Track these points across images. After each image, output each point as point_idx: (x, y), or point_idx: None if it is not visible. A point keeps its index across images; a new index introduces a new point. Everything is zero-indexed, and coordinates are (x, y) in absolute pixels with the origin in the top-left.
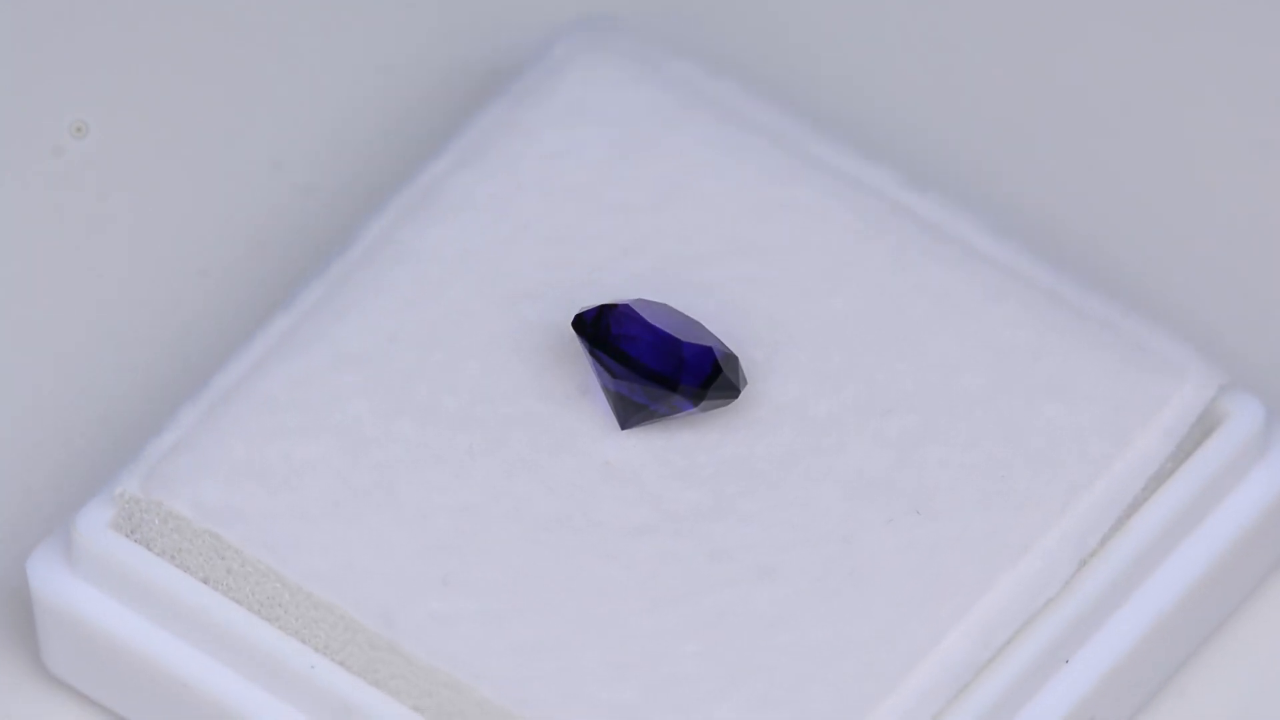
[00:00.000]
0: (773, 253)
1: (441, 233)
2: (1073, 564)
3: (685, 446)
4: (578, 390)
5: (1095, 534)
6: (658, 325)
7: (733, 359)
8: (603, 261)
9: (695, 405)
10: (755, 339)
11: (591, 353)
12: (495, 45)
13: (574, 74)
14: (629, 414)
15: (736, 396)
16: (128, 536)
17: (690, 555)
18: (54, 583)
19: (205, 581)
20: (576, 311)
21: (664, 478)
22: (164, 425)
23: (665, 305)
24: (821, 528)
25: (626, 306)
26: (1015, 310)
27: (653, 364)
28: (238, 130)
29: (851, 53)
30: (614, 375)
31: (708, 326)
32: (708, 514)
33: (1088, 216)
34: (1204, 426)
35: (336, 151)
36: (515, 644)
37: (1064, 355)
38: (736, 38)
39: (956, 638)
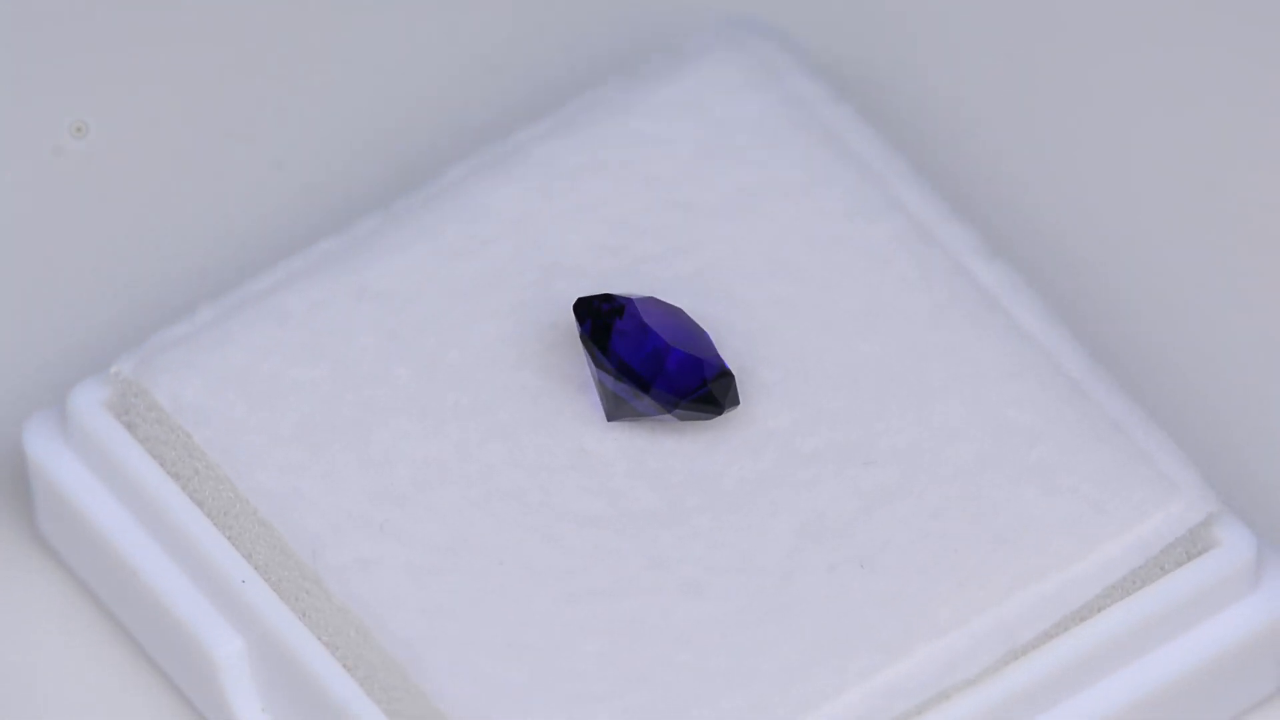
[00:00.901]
0: (816, 284)
1: (507, 193)
2: (999, 651)
3: (664, 451)
4: (583, 375)
5: (1032, 628)
6: (655, 328)
7: (727, 378)
8: (650, 255)
9: (669, 412)
10: (771, 362)
11: (583, 338)
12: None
13: (693, 69)
14: (614, 406)
15: (718, 414)
16: (118, 418)
17: (628, 556)
18: (46, 451)
19: (175, 477)
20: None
21: (631, 476)
22: (180, 318)
23: (679, 310)
24: (764, 559)
25: (630, 303)
26: (1031, 391)
27: (633, 362)
28: (241, 129)
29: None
30: (597, 364)
31: (729, 340)
32: (660, 520)
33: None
34: (1190, 551)
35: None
36: (428, 603)
37: (1061, 446)
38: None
39: (856, 696)
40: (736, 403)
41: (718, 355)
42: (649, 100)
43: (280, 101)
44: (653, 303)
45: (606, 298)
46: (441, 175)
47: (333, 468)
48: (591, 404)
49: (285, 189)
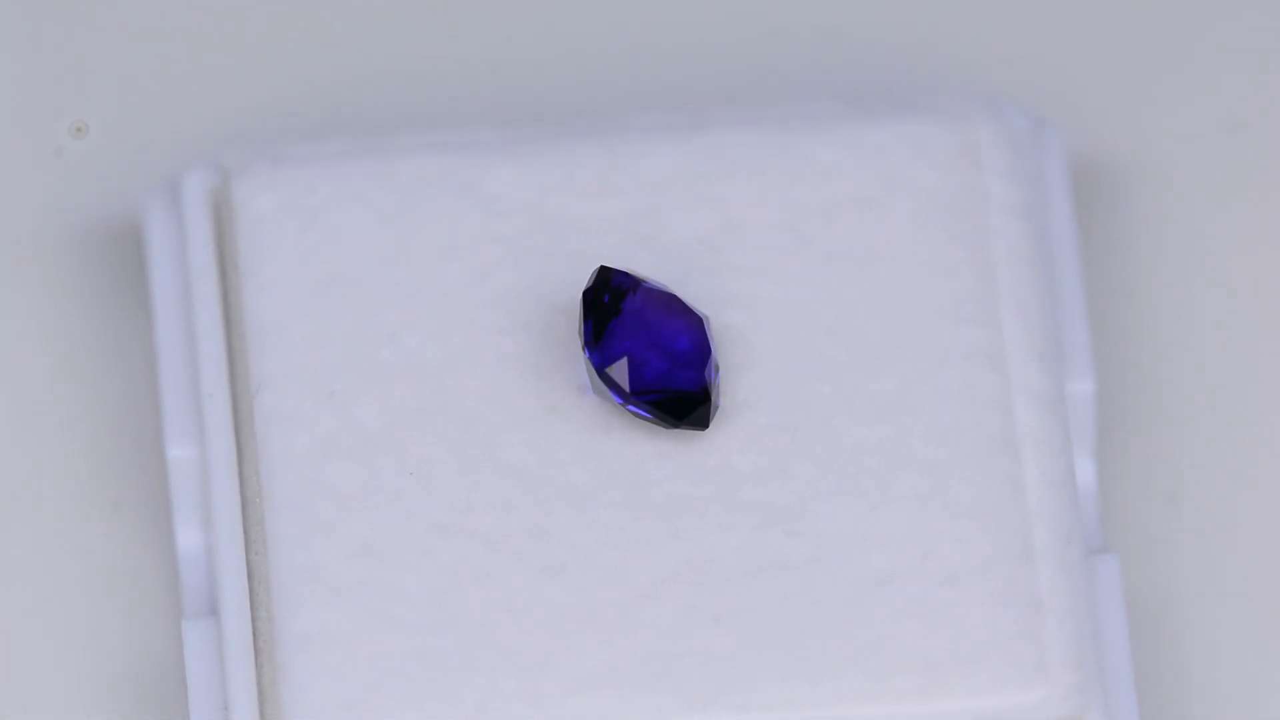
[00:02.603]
0: (853, 349)
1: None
2: None
3: (606, 445)
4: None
5: None
6: (658, 333)
7: (705, 406)
8: (704, 264)
9: (624, 403)
10: (760, 405)
11: (585, 303)
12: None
13: (905, 121)
14: (593, 379)
15: (672, 428)
16: (212, 208)
17: (513, 527)
18: (157, 223)
19: (222, 279)
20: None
21: (574, 453)
22: (324, 139)
23: (704, 317)
24: (637, 575)
25: (648, 296)
26: (980, 534)
27: (619, 348)
28: (242, 128)
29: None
30: (582, 341)
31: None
32: (568, 500)
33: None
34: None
35: None
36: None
37: (967, 600)
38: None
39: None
40: (703, 425)
41: (700, 372)
42: (834, 129)
43: None
44: (670, 299)
45: (635, 284)
46: (620, 120)
47: (327, 339)
48: (579, 377)
49: None
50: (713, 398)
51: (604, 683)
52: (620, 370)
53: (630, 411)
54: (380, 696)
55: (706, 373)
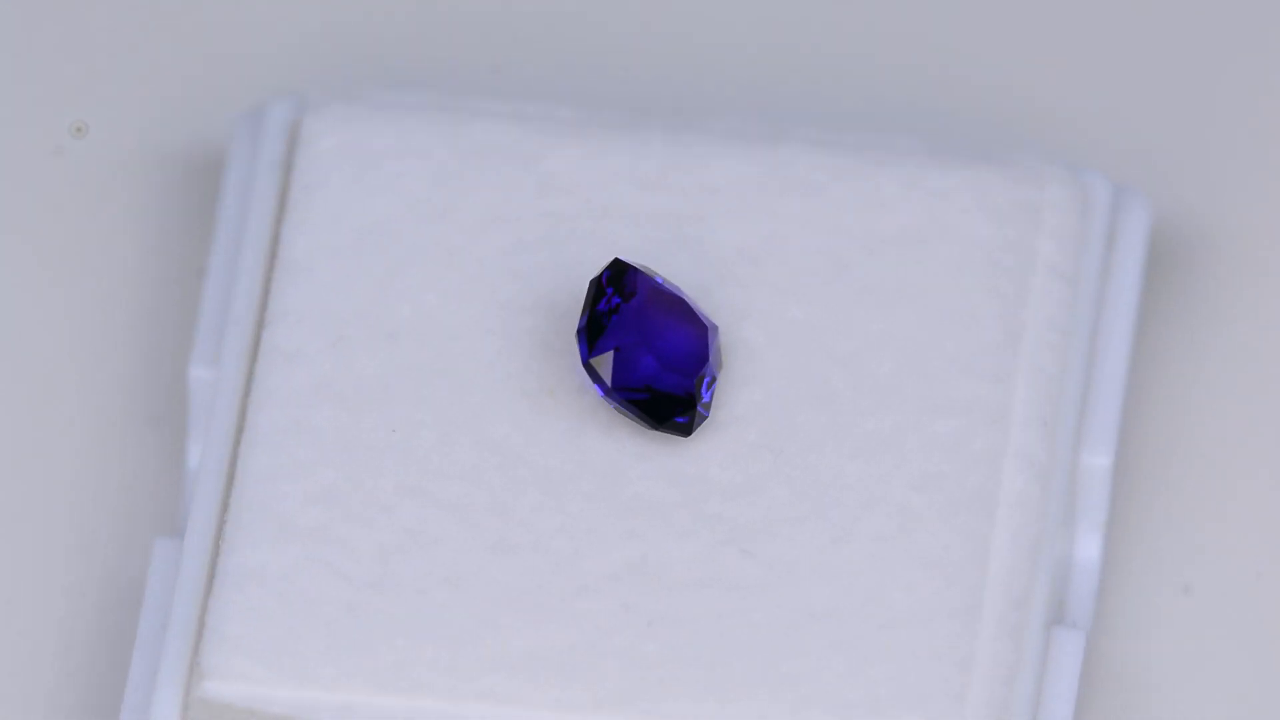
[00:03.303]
0: (858, 387)
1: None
2: None
3: (607, 432)
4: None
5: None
6: (654, 333)
7: (689, 413)
8: (737, 278)
9: (606, 397)
10: (752, 422)
11: (591, 292)
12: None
13: (977, 171)
14: (583, 356)
15: (654, 429)
16: (287, 140)
17: (477, 500)
18: (236, 151)
19: (279, 209)
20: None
21: (557, 438)
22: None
23: (712, 327)
24: (585, 566)
25: (654, 296)
26: (947, 591)
27: (610, 342)
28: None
29: None
30: (577, 328)
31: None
32: (539, 484)
33: None
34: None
35: None
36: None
37: (907, 654)
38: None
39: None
40: (685, 432)
41: (689, 379)
42: (901, 165)
43: None
44: (678, 303)
45: (649, 287)
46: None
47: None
48: (575, 365)
49: None
50: (699, 407)
51: (521, 666)
52: (605, 363)
53: (614, 407)
54: (302, 642)
55: (697, 381)
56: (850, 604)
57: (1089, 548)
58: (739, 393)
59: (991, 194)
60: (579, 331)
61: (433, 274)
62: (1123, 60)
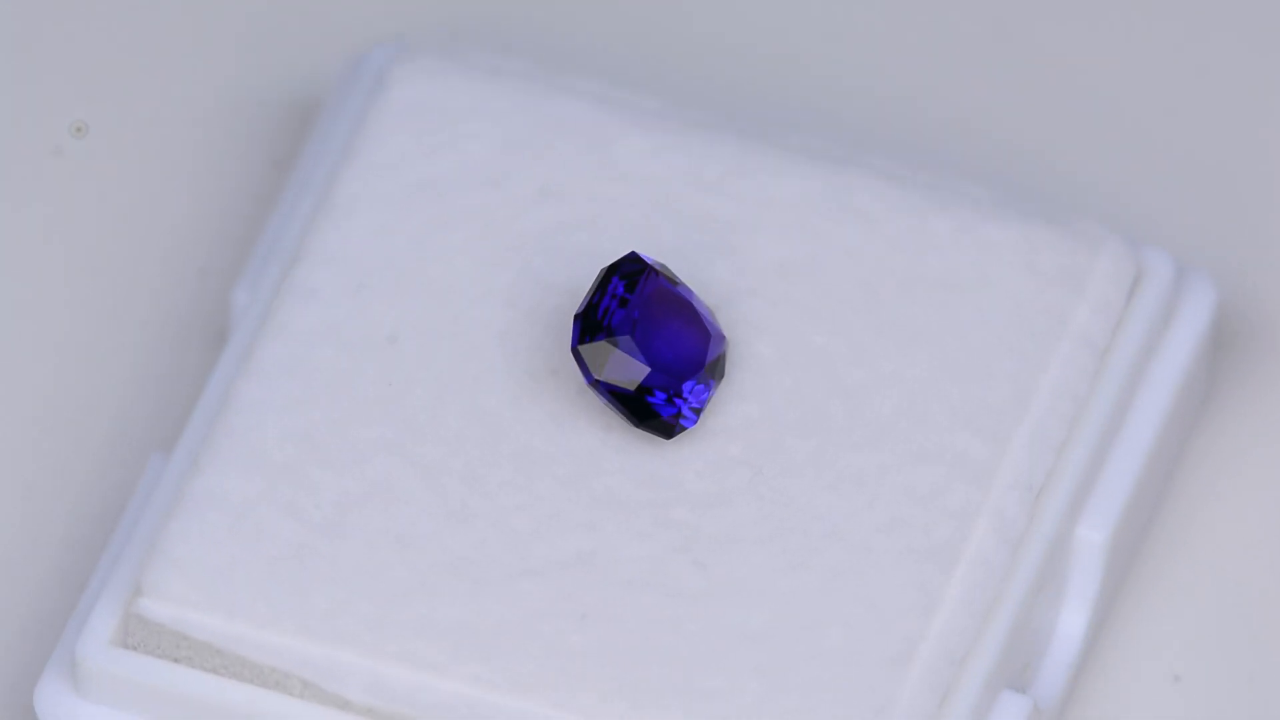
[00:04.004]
0: (861, 392)
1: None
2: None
3: (595, 420)
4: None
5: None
6: (649, 331)
7: (671, 416)
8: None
9: (590, 385)
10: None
11: (603, 276)
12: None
13: (1027, 228)
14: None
15: (635, 425)
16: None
17: (450, 466)
18: (333, 93)
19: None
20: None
21: (545, 418)
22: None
23: (719, 336)
24: (529, 544)
25: (661, 295)
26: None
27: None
28: (236, 129)
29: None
30: (576, 311)
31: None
32: (515, 460)
33: None
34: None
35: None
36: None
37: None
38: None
39: None
40: (666, 434)
41: (676, 382)
42: (960, 210)
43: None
44: (684, 305)
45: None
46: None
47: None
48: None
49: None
50: (685, 410)
51: (446, 636)
52: (594, 352)
53: (599, 398)
54: (241, 575)
55: (686, 385)
56: (785, 632)
57: (1073, 621)
58: (735, 406)
59: (1040, 253)
60: (575, 316)
61: (471, 238)
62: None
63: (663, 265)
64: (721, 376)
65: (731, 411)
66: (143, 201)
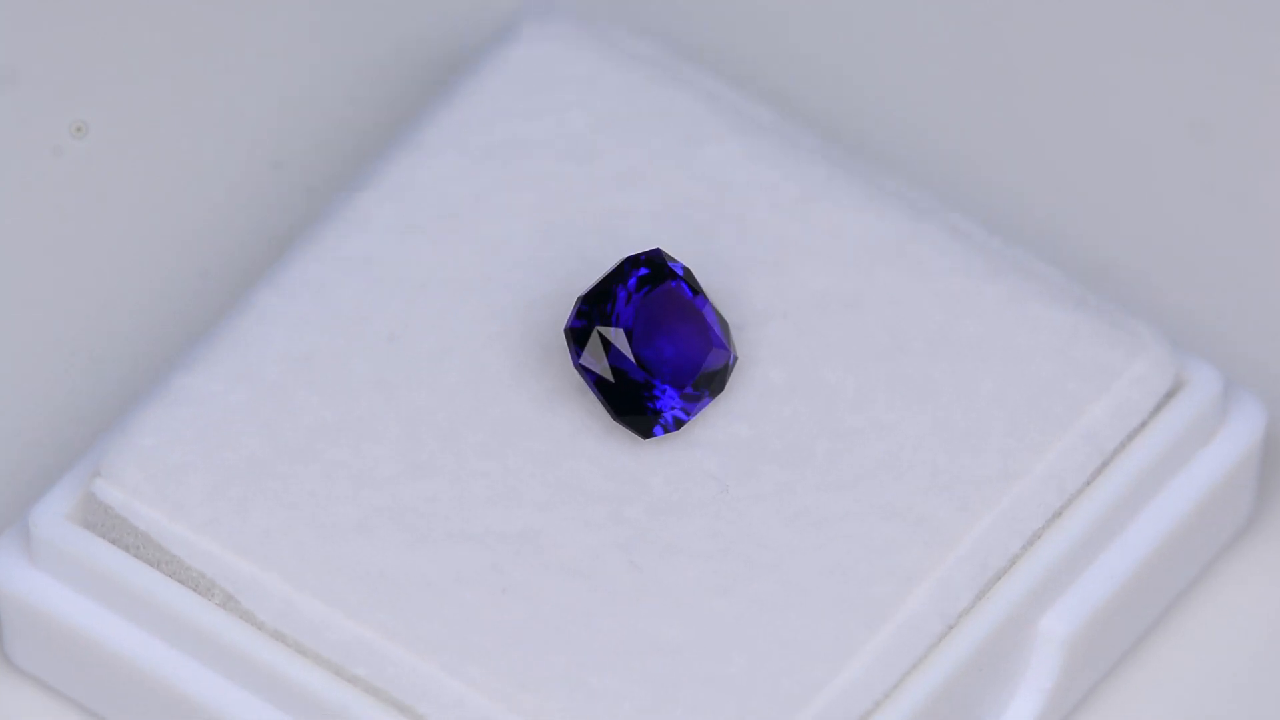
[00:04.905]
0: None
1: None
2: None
3: (586, 405)
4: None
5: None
6: (648, 327)
7: (651, 416)
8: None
9: (575, 365)
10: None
11: (622, 265)
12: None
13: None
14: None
15: (614, 418)
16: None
17: (428, 421)
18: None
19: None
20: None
21: (537, 393)
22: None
23: (726, 350)
24: (474, 510)
25: (671, 296)
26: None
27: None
28: (236, 129)
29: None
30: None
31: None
32: (492, 426)
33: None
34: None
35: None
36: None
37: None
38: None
39: None
40: (643, 433)
41: (663, 382)
42: (1011, 280)
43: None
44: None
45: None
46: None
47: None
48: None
49: (286, 188)
50: (667, 413)
51: (364, 581)
52: (582, 335)
53: (585, 381)
54: (194, 476)
55: (671, 390)
56: (692, 650)
57: (1022, 708)
58: (727, 423)
59: (1079, 342)
60: (579, 297)
61: (534, 206)
62: None
63: (687, 269)
64: (719, 391)
65: (721, 428)
66: (143, 201)
